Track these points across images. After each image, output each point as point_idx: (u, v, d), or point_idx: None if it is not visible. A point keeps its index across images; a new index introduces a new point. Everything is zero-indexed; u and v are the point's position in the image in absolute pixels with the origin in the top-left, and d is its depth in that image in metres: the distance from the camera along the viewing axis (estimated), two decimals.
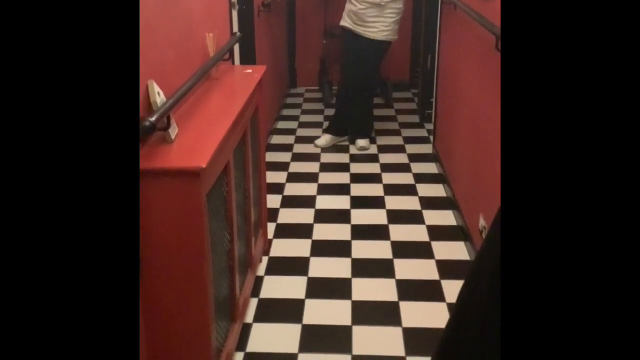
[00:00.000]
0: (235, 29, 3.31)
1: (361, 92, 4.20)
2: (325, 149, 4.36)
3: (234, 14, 3.33)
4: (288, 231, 3.25)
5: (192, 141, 1.83)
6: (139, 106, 1.70)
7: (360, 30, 3.99)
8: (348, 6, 4.03)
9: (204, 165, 1.65)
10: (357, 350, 2.33)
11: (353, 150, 4.34)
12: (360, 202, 3.57)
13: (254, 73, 2.69)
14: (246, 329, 2.44)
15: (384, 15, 3.93)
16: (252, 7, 3.77)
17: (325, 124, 4.72)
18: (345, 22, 4.08)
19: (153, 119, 1.62)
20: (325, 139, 4.36)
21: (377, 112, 5.22)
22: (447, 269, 2.86)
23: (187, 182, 1.65)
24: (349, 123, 4.34)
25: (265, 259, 2.95)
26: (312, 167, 4.07)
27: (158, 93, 1.80)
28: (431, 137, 4.43)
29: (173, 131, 1.82)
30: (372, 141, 4.48)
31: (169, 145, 1.79)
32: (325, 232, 3.24)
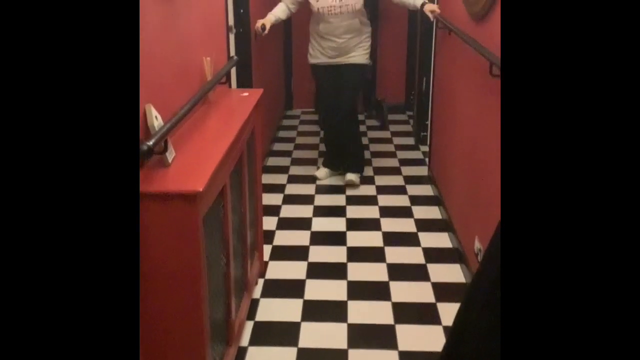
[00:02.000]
0: (233, 52, 3.34)
1: (349, 122, 4.04)
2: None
3: (232, 37, 3.37)
4: (284, 253, 3.25)
5: (189, 164, 1.84)
6: (139, 134, 1.72)
7: (341, 60, 3.93)
8: (324, 43, 3.90)
9: (200, 189, 1.66)
10: None
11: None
12: (356, 224, 3.57)
13: (250, 96, 2.71)
14: (241, 352, 2.42)
15: (363, 41, 3.92)
16: (249, 30, 3.81)
17: (322, 147, 4.74)
18: (318, 59, 3.99)
19: (151, 143, 1.63)
20: (324, 172, 4.25)
21: (372, 134, 5.27)
22: (443, 291, 2.85)
23: (184, 205, 1.66)
24: (342, 158, 4.19)
25: (261, 282, 2.94)
26: (308, 189, 4.08)
27: (156, 117, 1.81)
28: (427, 160, 4.46)
29: (170, 155, 1.83)
30: (368, 163, 4.50)
31: (166, 168, 1.79)
32: (321, 254, 3.24)
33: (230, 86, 3.27)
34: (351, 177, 4.09)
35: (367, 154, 4.69)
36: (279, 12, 3.86)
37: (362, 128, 5.31)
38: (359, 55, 3.93)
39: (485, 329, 0.91)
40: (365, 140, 5.02)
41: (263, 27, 3.67)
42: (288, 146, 4.97)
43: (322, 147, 4.87)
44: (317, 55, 3.98)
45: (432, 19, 3.60)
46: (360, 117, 5.51)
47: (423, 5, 3.62)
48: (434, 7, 3.58)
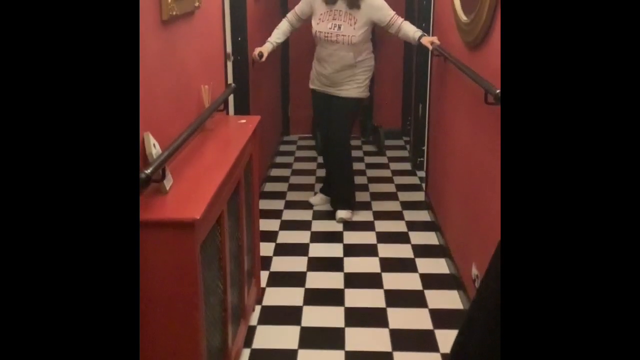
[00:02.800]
0: (230, 79, 3.37)
1: (338, 154, 3.92)
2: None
3: (229, 65, 3.40)
4: (281, 279, 3.24)
5: (186, 192, 1.85)
6: (139, 164, 1.73)
7: (331, 90, 3.82)
8: (317, 69, 3.85)
9: (198, 217, 1.66)
10: None
11: None
12: (353, 250, 3.57)
13: (248, 123, 2.73)
14: None
15: (357, 75, 3.75)
16: (246, 58, 3.84)
17: (320, 172, 4.76)
18: (314, 84, 3.93)
19: (149, 171, 1.64)
20: (319, 198, 4.20)
21: (369, 159, 5.28)
22: (441, 318, 2.85)
23: (181, 233, 1.66)
24: (332, 189, 4.08)
25: (258, 308, 2.93)
26: (305, 214, 4.09)
27: (154, 145, 1.83)
28: (423, 185, 4.47)
29: (168, 182, 1.84)
30: (364, 188, 4.51)
31: (164, 196, 1.80)
32: (318, 280, 3.23)
33: (227, 113, 3.29)
34: (341, 214, 3.93)
35: (363, 179, 4.71)
36: (279, 35, 3.84)
37: (359, 153, 5.33)
38: (352, 89, 3.78)
39: (483, 356, 0.91)
40: (362, 166, 5.04)
41: (260, 54, 3.69)
42: (285, 172, 4.99)
43: (320, 172, 4.89)
44: (313, 80, 3.95)
45: (430, 49, 3.56)
46: (357, 142, 5.54)
47: (421, 37, 3.59)
48: (433, 38, 3.55)
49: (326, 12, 3.66)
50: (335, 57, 3.72)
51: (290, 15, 3.87)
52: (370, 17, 3.62)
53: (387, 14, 3.64)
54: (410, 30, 3.65)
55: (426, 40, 3.54)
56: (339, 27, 3.63)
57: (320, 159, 5.20)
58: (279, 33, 3.85)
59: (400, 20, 3.68)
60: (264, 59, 3.72)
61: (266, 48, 3.74)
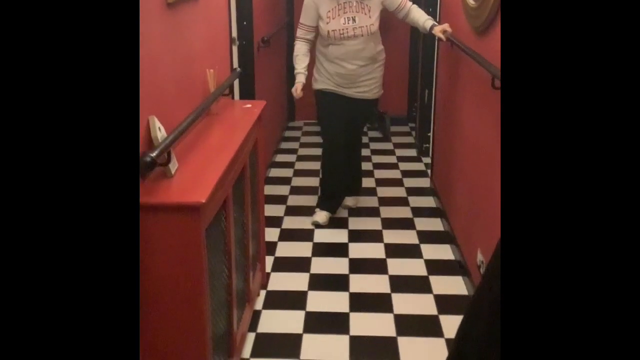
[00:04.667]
0: (236, 64, 3.36)
1: (354, 155, 3.77)
2: None
3: (235, 49, 3.39)
4: (286, 265, 3.24)
5: (192, 176, 1.85)
6: (139, 147, 1.72)
7: (349, 92, 3.50)
8: (332, 68, 3.46)
9: (203, 201, 1.66)
10: None
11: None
12: (358, 236, 3.57)
13: (253, 108, 2.72)
14: None
15: (375, 71, 3.52)
16: (252, 42, 3.83)
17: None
18: (323, 85, 3.53)
19: (154, 154, 1.64)
20: (325, 215, 3.73)
21: (374, 145, 5.27)
22: (445, 304, 2.85)
23: (186, 217, 1.66)
24: (340, 187, 3.76)
25: (263, 293, 2.94)
26: (310, 200, 4.08)
27: (159, 128, 1.82)
28: (429, 171, 4.46)
29: (173, 166, 1.83)
30: (370, 174, 4.51)
31: (169, 180, 1.80)
32: (323, 265, 3.23)
33: (233, 98, 3.28)
34: (349, 202, 3.88)
35: (369, 166, 4.71)
36: (302, 59, 3.52)
37: (365, 139, 5.32)
38: (371, 89, 3.53)
39: (488, 342, 0.91)
40: (367, 152, 5.03)
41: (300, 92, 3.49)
42: (290, 157, 4.98)
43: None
44: (324, 80, 3.52)
45: (444, 40, 3.29)
46: (363, 128, 5.52)
47: (432, 27, 3.34)
48: (444, 26, 3.28)
49: (334, 7, 3.36)
50: (355, 52, 3.41)
51: (299, 33, 3.52)
52: (381, 1, 3.44)
53: None
54: (421, 18, 3.43)
55: (438, 31, 3.28)
56: (354, 20, 3.36)
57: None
58: (302, 57, 3.53)
59: (409, 4, 3.50)
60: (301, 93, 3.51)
61: (300, 81, 3.49)
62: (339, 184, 3.72)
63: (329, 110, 3.57)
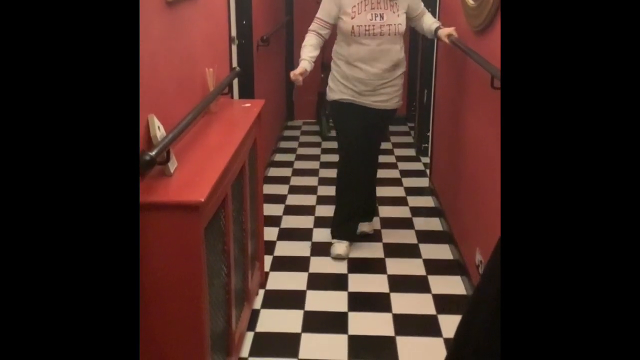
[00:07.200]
0: (235, 63, 3.36)
1: (373, 172, 3.52)
2: (322, 182, 4.37)
3: (234, 48, 3.39)
4: (285, 264, 3.24)
5: (191, 175, 1.85)
6: (139, 146, 1.72)
7: (367, 101, 3.19)
8: (351, 73, 3.15)
9: (202, 199, 1.66)
10: None
11: None
12: (357, 235, 3.57)
13: (252, 107, 2.72)
14: None
15: (397, 79, 3.23)
16: (251, 42, 3.82)
17: (324, 158, 4.73)
18: (342, 94, 3.20)
19: (153, 153, 1.64)
20: (345, 246, 3.37)
21: None
22: (444, 303, 2.85)
23: (185, 215, 1.66)
24: (356, 209, 3.44)
25: (261, 292, 2.94)
26: (309, 199, 4.08)
27: (158, 127, 1.82)
28: (427, 171, 4.46)
29: (172, 165, 1.83)
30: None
31: (168, 178, 1.80)
32: (321, 265, 3.23)
33: (232, 97, 3.28)
34: (364, 228, 3.56)
35: None
36: (311, 49, 3.16)
37: None
38: (392, 99, 3.25)
39: (486, 341, 0.91)
40: None
41: (302, 73, 3.08)
42: (289, 157, 4.98)
43: (325, 158, 4.88)
44: (340, 90, 3.20)
45: (448, 43, 3.15)
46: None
47: (437, 30, 3.20)
48: (449, 30, 3.14)
49: (360, 2, 3.08)
50: (379, 53, 3.12)
51: (313, 27, 3.20)
52: (408, 3, 3.17)
53: (420, 3, 3.28)
54: (429, 21, 3.27)
55: (443, 35, 3.14)
56: (381, 17, 3.07)
57: (324, 144, 5.20)
58: (310, 48, 3.17)
59: (425, 11, 3.33)
60: (301, 83, 3.13)
61: (303, 67, 3.08)
62: (355, 205, 3.40)
63: (346, 123, 3.25)
